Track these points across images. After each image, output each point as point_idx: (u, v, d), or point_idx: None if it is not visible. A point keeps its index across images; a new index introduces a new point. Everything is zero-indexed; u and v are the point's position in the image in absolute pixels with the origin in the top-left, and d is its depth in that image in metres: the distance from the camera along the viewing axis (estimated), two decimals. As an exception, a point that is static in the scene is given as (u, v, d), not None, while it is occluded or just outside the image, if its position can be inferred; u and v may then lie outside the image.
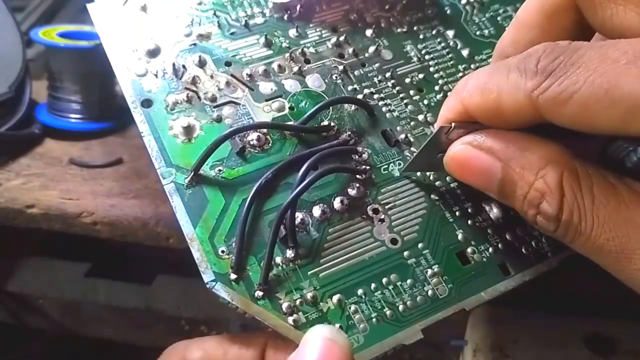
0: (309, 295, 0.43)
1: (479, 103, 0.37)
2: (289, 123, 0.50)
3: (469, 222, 0.48)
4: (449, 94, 0.52)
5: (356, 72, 0.54)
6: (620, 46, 0.31)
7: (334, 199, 0.47)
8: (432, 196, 0.48)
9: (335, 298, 0.43)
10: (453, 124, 0.40)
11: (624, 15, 0.35)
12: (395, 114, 0.52)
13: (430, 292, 0.44)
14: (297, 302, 0.42)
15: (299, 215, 0.45)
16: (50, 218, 0.68)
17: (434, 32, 0.58)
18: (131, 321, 0.84)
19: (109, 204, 0.68)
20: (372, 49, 0.56)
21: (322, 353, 0.37)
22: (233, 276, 0.43)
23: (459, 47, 0.58)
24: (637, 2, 0.35)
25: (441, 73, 0.56)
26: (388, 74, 0.54)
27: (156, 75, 0.51)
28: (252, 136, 0.48)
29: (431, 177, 0.49)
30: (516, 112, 0.35)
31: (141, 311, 0.82)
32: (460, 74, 0.56)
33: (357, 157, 0.49)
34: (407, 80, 0.55)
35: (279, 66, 0.53)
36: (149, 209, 0.68)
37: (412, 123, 0.52)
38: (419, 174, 0.49)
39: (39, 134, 0.76)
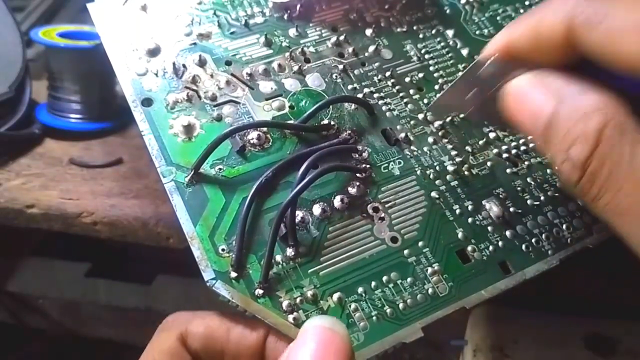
0: (309, 294, 0.43)
1: (522, 29, 0.37)
2: (289, 122, 0.50)
3: (469, 220, 0.48)
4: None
5: (356, 71, 0.54)
6: None
7: (334, 198, 0.47)
8: (432, 194, 0.48)
9: (336, 296, 0.43)
10: (493, 57, 0.39)
11: (622, 47, 0.35)
12: (395, 112, 0.52)
13: (430, 291, 0.44)
14: (298, 300, 0.43)
15: (299, 214, 0.45)
16: (50, 218, 0.68)
17: (433, 31, 0.59)
18: (131, 321, 0.84)
19: (109, 204, 0.68)
20: (372, 48, 0.56)
21: (320, 342, 0.37)
22: (233, 274, 0.43)
23: (458, 46, 0.58)
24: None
25: (441, 72, 0.56)
26: (388, 73, 0.54)
27: (156, 75, 0.51)
28: (252, 135, 0.48)
29: (431, 176, 0.49)
30: (553, 36, 0.35)
31: (141, 311, 0.82)
32: (460, 73, 0.55)
33: (357, 155, 0.49)
34: (407, 79, 0.55)
35: (279, 65, 0.53)
36: (149, 209, 0.68)
37: (412, 122, 0.52)
38: (418, 172, 0.49)
39: (39, 134, 0.76)
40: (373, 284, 0.44)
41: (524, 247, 0.47)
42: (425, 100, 0.53)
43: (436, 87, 0.55)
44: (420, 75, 0.55)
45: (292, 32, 0.56)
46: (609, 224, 0.34)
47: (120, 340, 0.86)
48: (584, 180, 0.34)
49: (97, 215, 0.67)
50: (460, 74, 0.48)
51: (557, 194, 0.50)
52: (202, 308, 0.78)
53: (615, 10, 0.31)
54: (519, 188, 0.50)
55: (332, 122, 0.50)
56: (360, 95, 0.53)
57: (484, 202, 0.48)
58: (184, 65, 0.51)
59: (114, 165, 0.74)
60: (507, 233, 0.48)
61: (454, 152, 0.51)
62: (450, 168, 0.49)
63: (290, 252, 0.44)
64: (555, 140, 0.35)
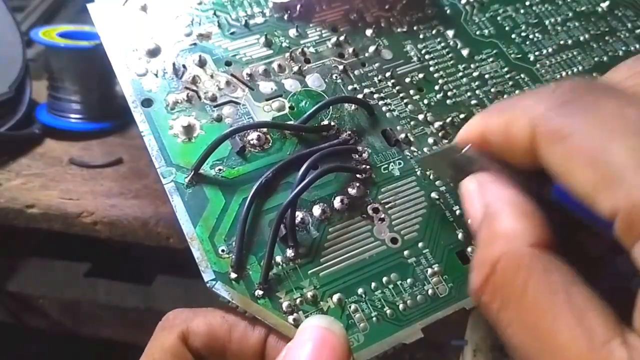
0: (309, 294, 0.43)
1: (495, 124, 0.35)
2: (289, 122, 0.50)
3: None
4: (449, 94, 0.53)
5: (356, 72, 0.54)
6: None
7: (334, 198, 0.47)
8: (432, 195, 0.48)
9: (336, 297, 0.43)
10: (467, 148, 0.38)
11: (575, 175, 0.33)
12: (395, 113, 0.52)
13: (430, 291, 0.44)
14: (298, 301, 0.42)
15: (299, 215, 0.45)
16: (50, 218, 0.68)
17: (433, 31, 0.58)
18: (131, 321, 0.84)
19: (109, 204, 0.68)
20: (372, 48, 0.56)
21: (316, 342, 0.37)
22: (233, 275, 0.43)
23: (458, 46, 0.58)
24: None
25: (441, 73, 0.56)
26: (388, 74, 0.54)
27: (156, 75, 0.51)
28: (252, 135, 0.48)
29: (431, 176, 0.49)
30: (519, 139, 0.33)
31: (141, 311, 0.82)
32: (460, 74, 0.56)
33: (357, 156, 0.49)
34: (407, 79, 0.55)
35: (279, 66, 0.53)
36: (149, 209, 0.68)
37: (412, 122, 0.52)
38: (418, 172, 0.49)
39: (39, 134, 0.76)
40: (373, 284, 0.44)
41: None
42: (426, 101, 0.53)
43: (436, 87, 0.55)
44: (421, 75, 0.55)
45: (292, 32, 0.55)
46: None
47: (120, 340, 0.86)
48: (483, 309, 0.33)
49: (97, 215, 0.68)
50: (437, 148, 0.48)
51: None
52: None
53: (581, 133, 0.29)
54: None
55: (332, 123, 0.50)
56: (360, 96, 0.53)
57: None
58: (184, 66, 0.51)
59: (114, 165, 0.74)
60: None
61: (454, 153, 0.50)
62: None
63: (290, 253, 0.44)
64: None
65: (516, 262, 0.31)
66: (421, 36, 0.58)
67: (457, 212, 0.48)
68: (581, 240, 0.34)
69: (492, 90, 0.55)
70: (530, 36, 0.60)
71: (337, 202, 0.46)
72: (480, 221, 0.35)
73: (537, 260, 0.31)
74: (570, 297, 0.28)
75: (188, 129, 0.48)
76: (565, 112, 0.30)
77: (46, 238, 0.76)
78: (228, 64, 0.52)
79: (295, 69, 0.53)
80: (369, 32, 0.57)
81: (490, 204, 0.35)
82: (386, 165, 0.49)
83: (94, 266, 0.85)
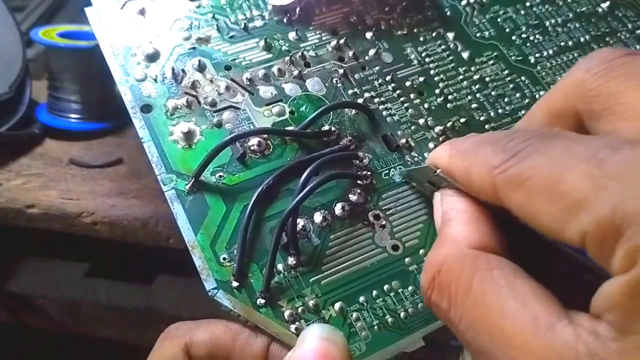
0: (310, 303, 0.43)
1: (458, 166, 0.37)
2: (289, 128, 0.50)
3: (470, 227, 0.48)
4: (449, 97, 0.53)
5: (356, 76, 0.54)
6: (588, 141, 0.29)
7: (335, 205, 0.47)
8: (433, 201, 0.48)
9: (337, 305, 0.43)
10: (438, 171, 0.39)
11: (622, 131, 0.34)
12: (396, 118, 0.52)
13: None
14: (299, 309, 0.43)
15: (300, 222, 0.45)
16: (50, 218, 0.68)
17: (434, 34, 0.58)
18: (131, 321, 0.84)
19: (109, 204, 0.68)
20: (372, 51, 0.55)
21: (317, 352, 0.37)
22: (235, 284, 0.43)
23: (459, 49, 0.58)
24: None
25: (442, 76, 0.55)
26: (388, 77, 0.54)
27: (155, 80, 0.50)
28: (253, 141, 0.48)
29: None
30: (481, 186, 0.34)
31: (141, 311, 0.82)
32: (461, 77, 0.56)
33: (358, 162, 0.49)
34: (408, 83, 0.54)
35: (279, 70, 0.53)
36: (149, 209, 0.68)
37: (412, 127, 0.52)
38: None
39: (39, 134, 0.76)
40: (374, 292, 0.44)
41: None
42: (426, 105, 0.53)
43: (437, 91, 0.54)
44: (421, 79, 0.55)
45: (292, 35, 0.55)
46: None
47: (120, 340, 0.86)
48: (434, 310, 0.35)
49: (97, 215, 0.68)
50: (414, 167, 0.49)
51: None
52: (202, 308, 0.79)
53: (536, 175, 0.30)
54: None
55: (333, 128, 0.50)
56: (360, 100, 0.53)
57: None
58: (183, 71, 0.51)
59: (114, 165, 0.74)
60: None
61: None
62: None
63: (291, 261, 0.44)
64: None
65: (460, 262, 0.33)
66: (421, 39, 0.58)
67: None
68: (552, 259, 0.35)
69: (493, 93, 0.55)
70: (531, 38, 0.60)
71: (338, 209, 0.46)
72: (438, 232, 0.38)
73: (480, 259, 0.32)
74: (513, 289, 0.30)
75: (188, 135, 0.48)
76: (519, 160, 0.31)
77: (46, 238, 0.76)
78: (228, 68, 0.52)
79: (295, 73, 0.53)
80: (369, 35, 0.57)
81: (446, 212, 0.37)
82: (387, 171, 0.49)
83: (94, 266, 0.86)
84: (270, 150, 0.49)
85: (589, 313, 0.27)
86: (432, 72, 0.56)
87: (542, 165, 0.30)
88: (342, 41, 0.55)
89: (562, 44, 0.60)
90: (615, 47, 0.53)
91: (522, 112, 0.54)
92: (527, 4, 0.62)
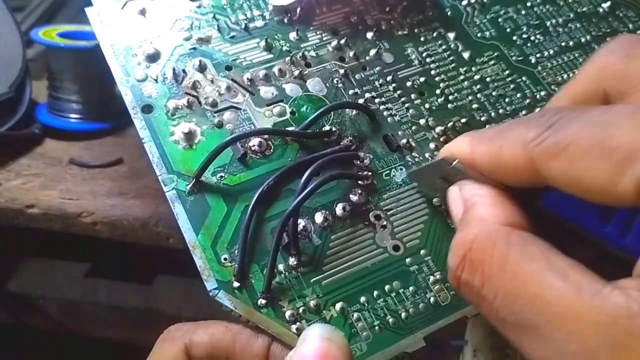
0: (311, 303, 0.43)
1: (483, 152, 0.36)
2: (290, 128, 0.50)
3: (471, 227, 0.48)
4: (450, 97, 0.53)
5: (357, 76, 0.54)
6: (621, 105, 0.30)
7: (336, 206, 0.47)
8: (434, 202, 0.48)
9: (338, 306, 0.43)
10: (456, 162, 0.39)
11: None
12: (397, 118, 0.52)
13: (432, 300, 0.44)
14: (300, 310, 0.43)
15: (301, 222, 0.45)
16: (50, 218, 0.68)
17: (434, 34, 0.58)
18: (131, 321, 0.84)
19: (109, 204, 0.68)
20: (373, 52, 0.55)
21: (318, 352, 0.37)
22: (236, 284, 0.43)
23: (460, 49, 0.57)
24: None
25: (442, 76, 0.55)
26: (389, 78, 0.54)
27: (156, 81, 0.50)
28: (254, 142, 0.48)
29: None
30: (513, 164, 0.34)
31: (141, 311, 0.82)
32: (462, 77, 0.55)
33: (358, 162, 0.49)
34: (409, 83, 0.54)
35: (280, 70, 0.53)
36: (149, 209, 0.68)
37: (413, 127, 0.52)
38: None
39: (39, 134, 0.76)
40: (375, 293, 0.44)
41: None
42: (427, 105, 0.53)
43: (437, 91, 0.54)
44: (422, 79, 0.55)
45: (293, 35, 0.55)
46: None
47: (120, 340, 0.86)
48: (463, 291, 0.35)
49: (97, 215, 0.68)
50: (426, 163, 0.49)
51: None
52: (202, 308, 0.79)
53: (579, 137, 0.30)
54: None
55: (334, 128, 0.50)
56: (361, 100, 0.52)
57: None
58: (183, 71, 0.51)
59: (114, 165, 0.74)
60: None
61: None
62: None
63: (292, 261, 0.44)
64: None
65: (492, 237, 0.33)
66: (422, 39, 0.58)
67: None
68: (571, 248, 0.35)
69: (494, 93, 0.55)
70: (532, 38, 0.60)
71: (339, 209, 0.46)
72: (457, 221, 0.37)
73: (512, 235, 0.32)
74: (550, 262, 0.30)
75: (189, 136, 0.48)
76: (557, 130, 0.31)
77: (46, 238, 0.76)
78: (228, 68, 0.52)
79: (296, 73, 0.53)
80: (369, 35, 0.57)
81: (468, 199, 0.37)
82: (388, 172, 0.49)
83: (94, 266, 0.86)
84: (271, 150, 0.49)
85: (634, 276, 0.27)
86: (432, 72, 0.56)
87: (582, 129, 0.30)
88: (342, 41, 0.55)
89: (563, 44, 0.60)
90: None
91: (523, 112, 0.54)
92: (528, 4, 0.62)
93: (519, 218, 0.34)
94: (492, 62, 0.57)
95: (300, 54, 0.54)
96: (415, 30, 0.58)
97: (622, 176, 0.27)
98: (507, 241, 0.32)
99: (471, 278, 0.33)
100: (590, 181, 0.29)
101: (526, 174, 0.33)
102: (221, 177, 0.47)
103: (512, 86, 0.56)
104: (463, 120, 0.53)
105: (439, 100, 0.54)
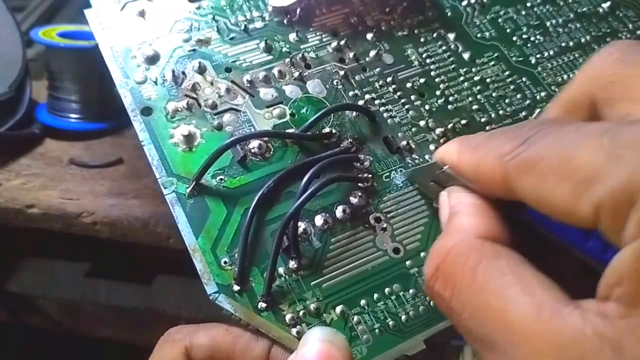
0: (312, 307, 0.43)
1: (466, 160, 0.37)
2: (290, 130, 0.50)
3: (471, 229, 0.48)
4: (450, 99, 0.53)
5: (357, 77, 0.54)
6: (598, 122, 0.30)
7: (336, 208, 0.47)
8: (434, 204, 0.48)
9: (339, 309, 0.43)
10: (446, 168, 0.39)
11: (637, 115, 0.34)
12: (397, 120, 0.52)
13: (432, 302, 0.44)
14: (301, 313, 0.43)
15: (301, 225, 0.45)
16: (50, 218, 0.68)
17: (434, 35, 0.58)
18: (131, 321, 0.84)
19: (109, 204, 0.68)
20: (373, 53, 0.55)
21: (319, 355, 0.37)
22: (236, 287, 0.43)
23: (460, 50, 0.57)
24: None
25: (442, 77, 0.55)
26: (389, 79, 0.54)
27: (155, 83, 0.50)
28: (254, 144, 0.48)
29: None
30: (491, 177, 0.34)
31: (141, 311, 0.82)
32: (462, 78, 0.55)
33: (358, 164, 0.49)
34: (409, 84, 0.54)
35: (280, 72, 0.53)
36: (149, 209, 0.68)
37: (413, 129, 0.52)
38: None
39: (39, 134, 0.76)
40: (375, 296, 0.44)
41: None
42: (427, 107, 0.53)
43: (437, 92, 0.54)
44: (422, 80, 0.55)
45: (292, 37, 0.55)
46: None
47: (120, 340, 0.86)
48: (436, 301, 0.34)
49: (97, 215, 0.67)
50: (420, 165, 0.49)
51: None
52: (202, 308, 0.79)
53: (548, 155, 0.30)
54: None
55: (333, 130, 0.50)
56: (361, 102, 0.52)
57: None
58: (183, 73, 0.51)
59: (114, 165, 0.74)
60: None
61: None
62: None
63: (292, 264, 0.44)
64: None
65: (466, 250, 0.33)
66: (422, 40, 0.58)
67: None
68: (554, 261, 0.35)
69: (494, 94, 0.55)
70: (532, 38, 0.60)
71: (339, 212, 0.46)
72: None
73: (486, 248, 0.32)
74: (518, 277, 0.29)
75: (189, 138, 0.48)
76: (530, 145, 0.31)
77: (46, 238, 0.76)
78: (228, 70, 0.52)
79: (296, 74, 0.53)
80: (369, 36, 0.56)
81: (453, 206, 0.37)
82: (388, 174, 0.49)
83: (94, 266, 0.85)
84: (271, 153, 0.49)
85: (596, 298, 0.27)
86: (432, 73, 0.56)
87: (552, 147, 0.30)
88: (342, 42, 0.55)
89: (563, 44, 0.60)
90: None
91: (523, 113, 0.54)
92: (528, 4, 0.62)
93: (499, 229, 0.34)
94: (492, 62, 0.57)
95: (300, 55, 0.54)
96: (415, 31, 0.58)
97: (580, 199, 0.27)
98: (480, 255, 0.32)
99: (442, 289, 0.33)
100: (554, 201, 0.29)
101: (500, 188, 0.33)
102: (221, 179, 0.47)
103: (512, 87, 0.56)
104: (463, 121, 0.53)
105: (439, 101, 0.54)
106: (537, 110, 0.54)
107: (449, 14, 0.60)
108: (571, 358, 0.26)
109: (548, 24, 0.61)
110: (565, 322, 0.26)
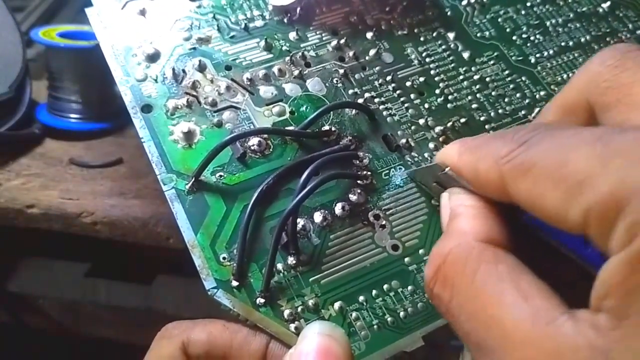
0: (310, 302, 0.43)
1: (466, 162, 0.37)
2: (289, 128, 0.50)
3: (470, 227, 0.48)
4: (450, 97, 0.53)
5: (357, 76, 0.54)
6: (594, 128, 0.30)
7: (335, 205, 0.47)
8: (433, 201, 0.48)
9: (337, 305, 0.43)
10: (447, 169, 0.39)
11: (633, 121, 0.34)
12: (396, 118, 0.52)
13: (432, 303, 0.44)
14: (299, 309, 0.43)
15: (300, 222, 0.45)
16: (50, 218, 0.68)
17: (434, 34, 0.58)
18: (131, 321, 0.84)
19: (109, 204, 0.68)
20: (372, 51, 0.55)
21: (318, 349, 0.37)
22: (235, 283, 0.43)
23: (459, 49, 0.57)
24: None
25: (442, 76, 0.55)
26: (389, 77, 0.54)
27: (156, 80, 0.50)
28: (253, 141, 0.48)
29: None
30: (487, 179, 0.34)
31: (141, 311, 0.82)
32: (461, 77, 0.55)
33: (358, 162, 0.49)
34: (408, 83, 0.54)
35: (280, 70, 0.53)
36: (149, 209, 0.68)
37: (412, 127, 0.52)
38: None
39: (39, 134, 0.76)
40: (374, 292, 0.44)
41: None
42: (427, 105, 0.53)
43: (437, 91, 0.54)
44: (422, 79, 0.55)
45: (293, 35, 0.55)
46: None
47: (120, 340, 0.86)
48: (434, 302, 0.35)
49: (97, 215, 0.68)
50: (422, 165, 0.49)
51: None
52: (202, 308, 0.78)
53: (542, 160, 0.30)
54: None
55: (333, 128, 0.50)
56: (361, 100, 0.52)
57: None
58: (183, 71, 0.51)
59: (114, 165, 0.74)
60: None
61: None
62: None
63: (291, 260, 0.44)
64: None
65: (466, 254, 0.33)
66: (422, 39, 0.58)
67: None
68: (554, 266, 0.35)
69: (493, 93, 0.55)
70: (532, 38, 0.60)
71: (338, 209, 0.46)
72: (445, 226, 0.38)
73: (485, 252, 0.32)
74: (516, 283, 0.30)
75: (188, 135, 0.48)
76: (527, 148, 0.31)
77: (46, 238, 0.76)
78: (228, 68, 0.52)
79: (296, 73, 0.53)
80: (369, 35, 0.57)
81: (453, 208, 0.37)
82: (387, 171, 0.49)
83: (94, 266, 0.85)
84: (271, 150, 0.49)
85: (589, 308, 0.27)
86: (432, 72, 0.56)
87: (548, 151, 0.30)
88: (342, 41, 0.55)
89: (563, 44, 0.60)
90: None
91: (523, 112, 0.54)
92: (528, 4, 0.62)
93: (500, 233, 0.34)
94: (492, 62, 0.57)
95: (300, 53, 0.54)
96: (415, 30, 0.58)
97: (571, 205, 0.27)
98: (479, 259, 0.32)
99: (441, 291, 0.33)
100: (546, 205, 0.29)
101: (497, 191, 0.33)
102: (220, 176, 0.47)
103: (511, 86, 0.56)
104: (462, 120, 0.53)
105: (439, 100, 0.54)
106: (537, 110, 0.54)
107: (448, 13, 0.60)
108: None
109: (548, 23, 0.61)
110: (560, 332, 0.26)
